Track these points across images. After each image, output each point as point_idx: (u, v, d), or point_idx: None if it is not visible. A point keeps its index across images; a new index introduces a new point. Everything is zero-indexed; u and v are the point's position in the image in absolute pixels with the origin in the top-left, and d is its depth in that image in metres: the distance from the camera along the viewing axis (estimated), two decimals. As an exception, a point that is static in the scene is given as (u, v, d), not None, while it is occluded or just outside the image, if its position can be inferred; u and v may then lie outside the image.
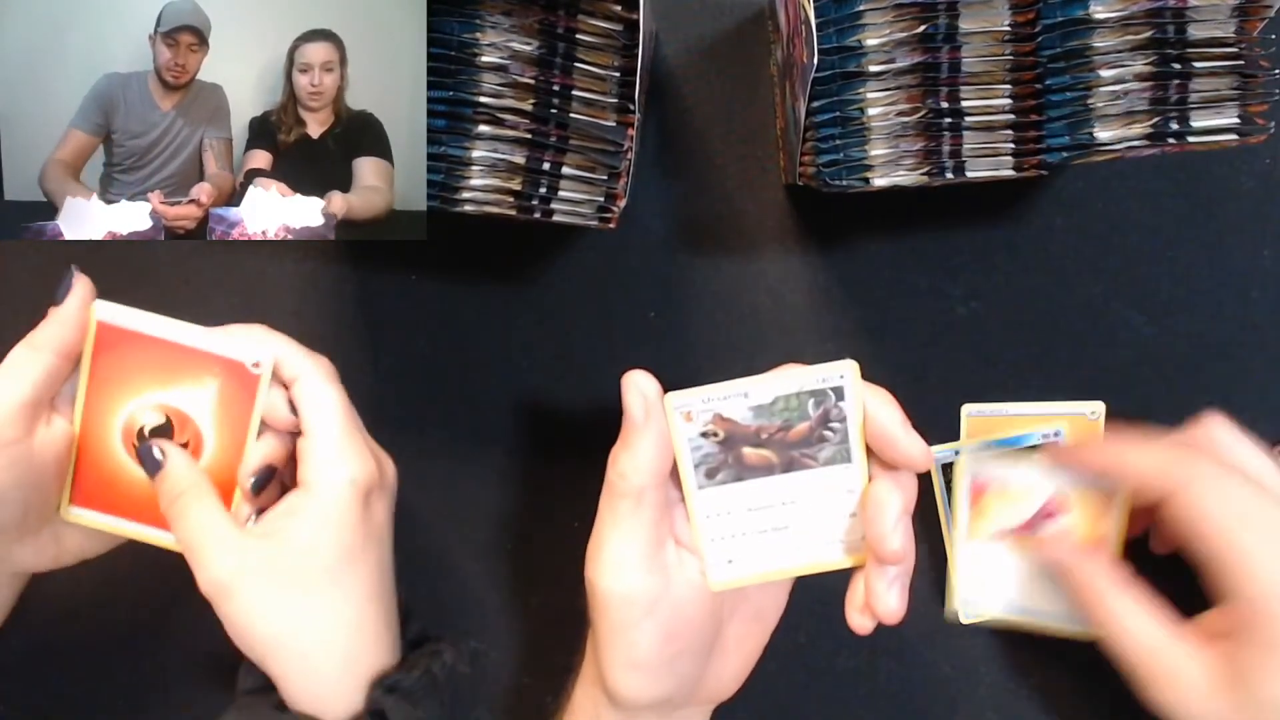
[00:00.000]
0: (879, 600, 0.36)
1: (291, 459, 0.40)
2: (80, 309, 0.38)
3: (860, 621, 0.37)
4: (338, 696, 0.38)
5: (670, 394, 0.36)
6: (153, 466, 0.39)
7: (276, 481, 0.40)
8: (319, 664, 0.38)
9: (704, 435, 0.36)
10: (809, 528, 0.37)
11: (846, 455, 0.36)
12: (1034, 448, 0.46)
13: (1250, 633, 0.36)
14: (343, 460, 0.38)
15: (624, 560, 0.36)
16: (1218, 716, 0.36)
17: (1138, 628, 0.39)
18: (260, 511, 0.39)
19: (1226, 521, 0.37)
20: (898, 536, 0.35)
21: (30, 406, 0.37)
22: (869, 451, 0.36)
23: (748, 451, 0.37)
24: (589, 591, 0.37)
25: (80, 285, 0.38)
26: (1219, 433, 0.42)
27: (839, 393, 0.35)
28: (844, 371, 0.35)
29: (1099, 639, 0.40)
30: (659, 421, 0.36)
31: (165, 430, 0.39)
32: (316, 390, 0.39)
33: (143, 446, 0.39)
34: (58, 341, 0.38)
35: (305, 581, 0.37)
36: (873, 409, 0.35)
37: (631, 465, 0.36)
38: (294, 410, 0.39)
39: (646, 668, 0.37)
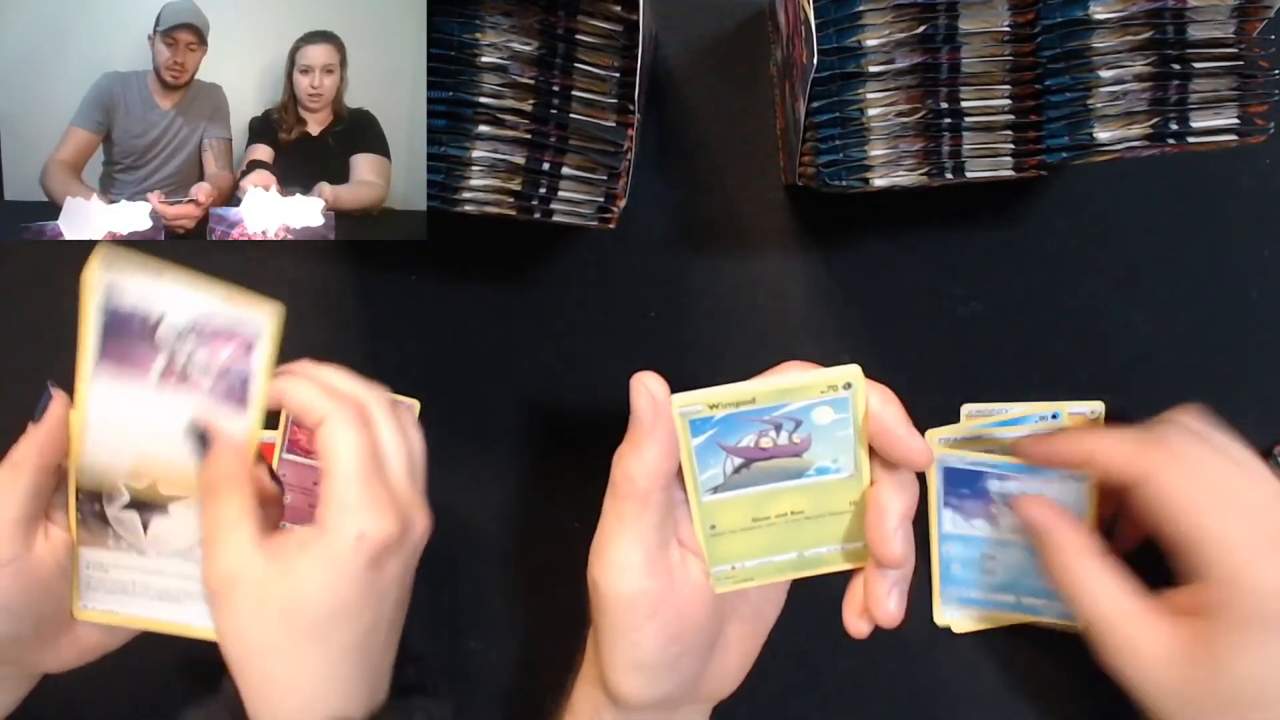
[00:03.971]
0: (878, 605, 0.36)
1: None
2: (59, 425, 0.38)
3: (858, 625, 0.37)
4: None
5: (675, 396, 0.36)
6: (200, 447, 0.39)
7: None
8: (280, 701, 0.37)
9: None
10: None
11: (849, 459, 0.36)
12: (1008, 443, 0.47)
13: (1222, 611, 0.36)
14: (354, 512, 0.37)
15: (628, 562, 0.36)
16: (1176, 689, 0.37)
17: (1105, 595, 0.39)
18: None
19: (1198, 501, 0.37)
20: (898, 541, 0.35)
21: (22, 524, 0.38)
22: (871, 455, 0.36)
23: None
24: (592, 592, 0.37)
25: (57, 402, 0.38)
26: (1191, 423, 0.42)
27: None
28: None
29: (1068, 607, 0.40)
30: (667, 424, 0.35)
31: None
32: (336, 434, 0.38)
33: (193, 425, 0.39)
34: (38, 458, 0.38)
35: (291, 621, 0.36)
36: (875, 406, 0.35)
37: (639, 467, 0.35)
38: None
39: (649, 668, 0.37)
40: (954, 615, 0.50)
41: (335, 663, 0.37)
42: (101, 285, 0.36)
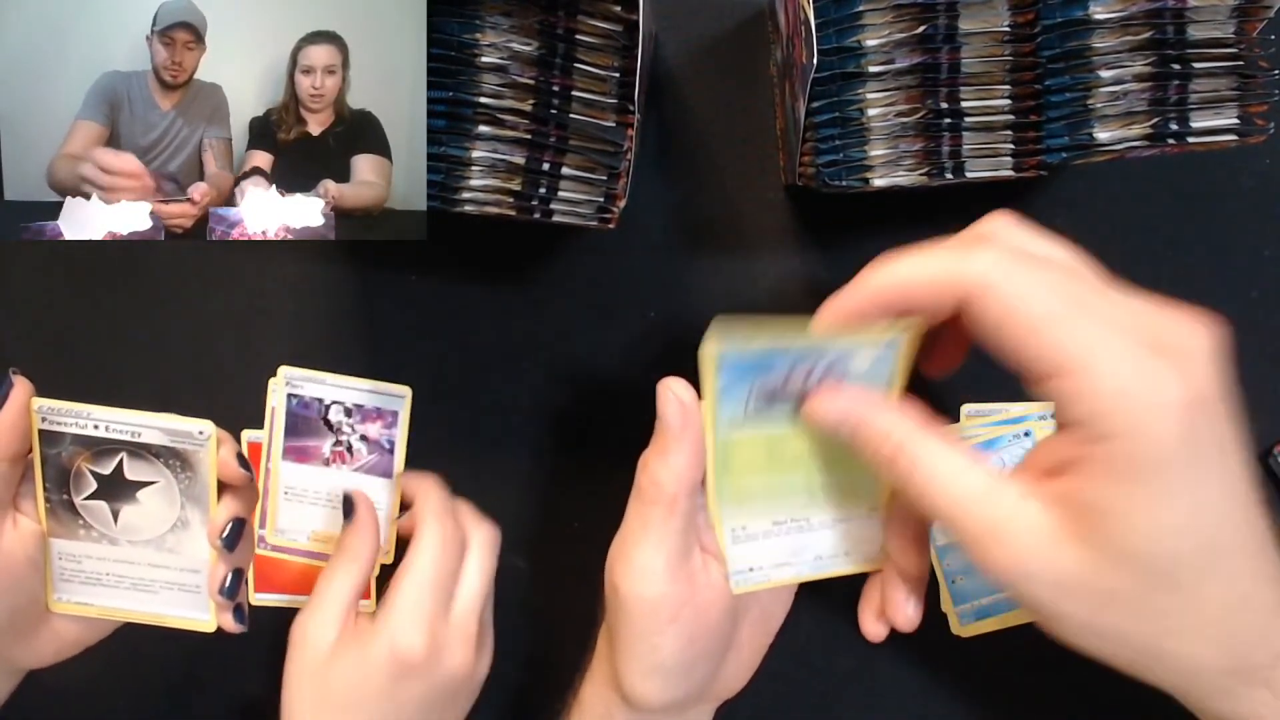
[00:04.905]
0: (898, 609, 0.36)
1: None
2: (20, 414, 0.38)
3: (875, 629, 0.37)
4: None
5: (714, 333, 0.33)
6: (349, 514, 0.44)
7: (249, 533, 0.40)
8: None
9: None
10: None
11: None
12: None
13: (1101, 459, 0.27)
14: (397, 623, 0.41)
15: (652, 567, 0.36)
16: (1065, 573, 0.27)
17: (951, 475, 0.30)
18: (239, 571, 0.40)
19: (1050, 316, 0.28)
20: (921, 550, 0.35)
21: None
22: None
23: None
24: (611, 595, 0.37)
25: (19, 389, 0.38)
26: (1006, 226, 0.33)
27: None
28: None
29: (917, 507, 0.32)
30: (695, 430, 0.35)
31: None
32: (424, 546, 0.42)
33: (347, 498, 0.44)
34: (1, 448, 0.38)
35: (323, 697, 0.41)
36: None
37: (666, 473, 0.35)
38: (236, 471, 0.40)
39: (666, 671, 0.37)
40: (973, 622, 0.49)
41: None
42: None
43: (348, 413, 0.48)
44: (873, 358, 0.33)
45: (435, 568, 0.41)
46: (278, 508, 0.49)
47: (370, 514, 0.43)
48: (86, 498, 0.39)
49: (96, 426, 0.38)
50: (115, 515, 0.39)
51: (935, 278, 0.30)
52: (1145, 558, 0.26)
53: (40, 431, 0.38)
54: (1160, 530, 0.26)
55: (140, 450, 0.38)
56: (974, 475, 0.30)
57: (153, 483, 0.39)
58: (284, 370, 0.47)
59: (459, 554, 0.42)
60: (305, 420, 0.48)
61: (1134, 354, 0.27)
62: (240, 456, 0.39)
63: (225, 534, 0.39)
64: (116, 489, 0.39)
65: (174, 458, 0.38)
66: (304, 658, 0.41)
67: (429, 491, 0.45)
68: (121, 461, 0.38)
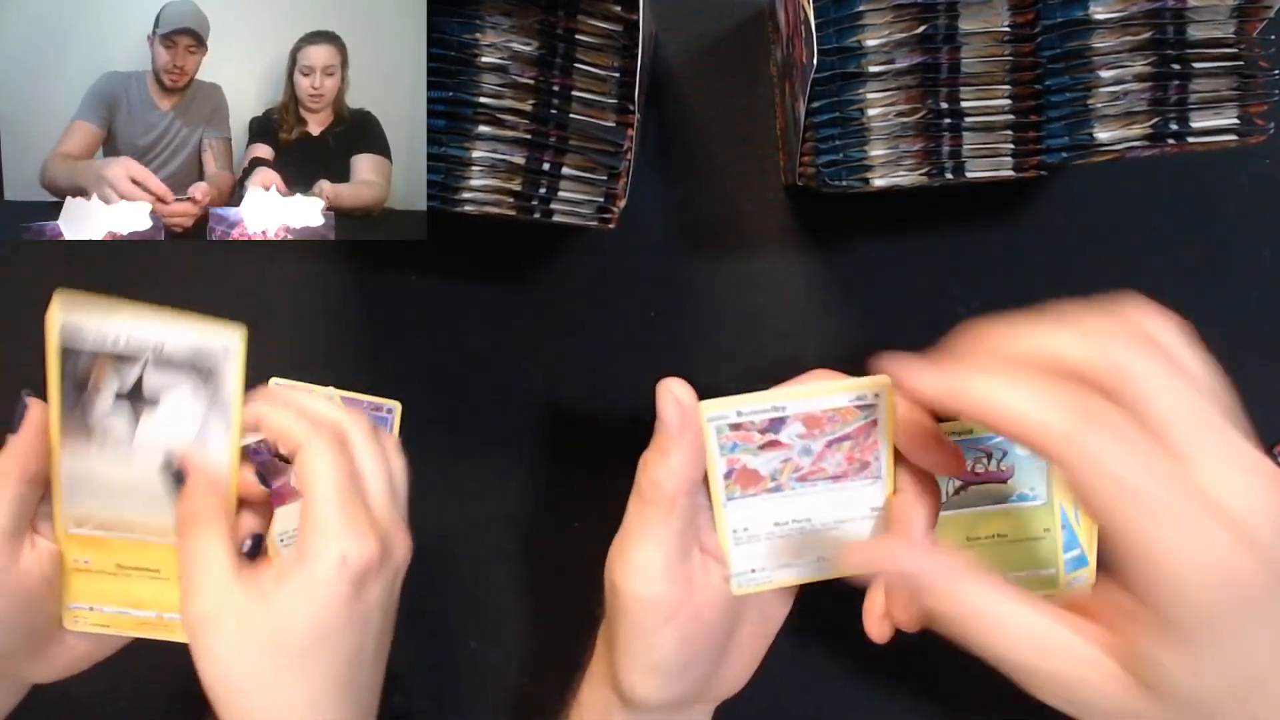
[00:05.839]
0: (902, 610, 0.36)
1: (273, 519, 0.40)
2: (37, 435, 0.37)
3: (881, 630, 0.37)
4: None
5: (704, 403, 0.35)
6: (175, 484, 0.39)
7: (265, 547, 0.39)
8: None
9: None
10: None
11: (877, 469, 0.36)
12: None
13: (1145, 618, 0.28)
14: (335, 536, 0.36)
15: (650, 566, 0.36)
16: (1134, 707, 0.29)
17: (1014, 624, 0.30)
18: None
19: (1127, 502, 0.27)
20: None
21: (7, 536, 0.37)
22: (896, 461, 0.36)
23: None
24: (610, 594, 0.37)
25: (34, 411, 0.37)
26: (1153, 325, 0.30)
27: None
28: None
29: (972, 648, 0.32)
30: (694, 431, 0.35)
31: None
32: (314, 460, 0.37)
33: (167, 462, 0.38)
34: (19, 470, 0.37)
35: (275, 653, 0.36)
36: (904, 413, 0.35)
37: (665, 474, 0.35)
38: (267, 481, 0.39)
39: (665, 671, 0.37)
40: None
41: (322, 693, 0.37)
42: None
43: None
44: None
45: (337, 474, 0.37)
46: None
47: (203, 473, 0.39)
48: (103, 406, 0.38)
49: (118, 340, 0.36)
50: (134, 426, 0.38)
51: (1039, 424, 0.28)
52: (1198, 699, 0.28)
53: (62, 350, 0.36)
54: (1203, 680, 0.28)
55: (164, 360, 0.37)
56: (1038, 621, 0.30)
57: (174, 392, 0.37)
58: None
59: (347, 450, 0.39)
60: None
61: (1197, 532, 0.27)
62: (260, 474, 0.39)
63: (247, 549, 0.38)
64: (136, 399, 0.38)
65: (198, 369, 0.37)
66: (220, 633, 0.36)
67: (283, 409, 0.40)
68: (144, 370, 0.37)
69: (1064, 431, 0.28)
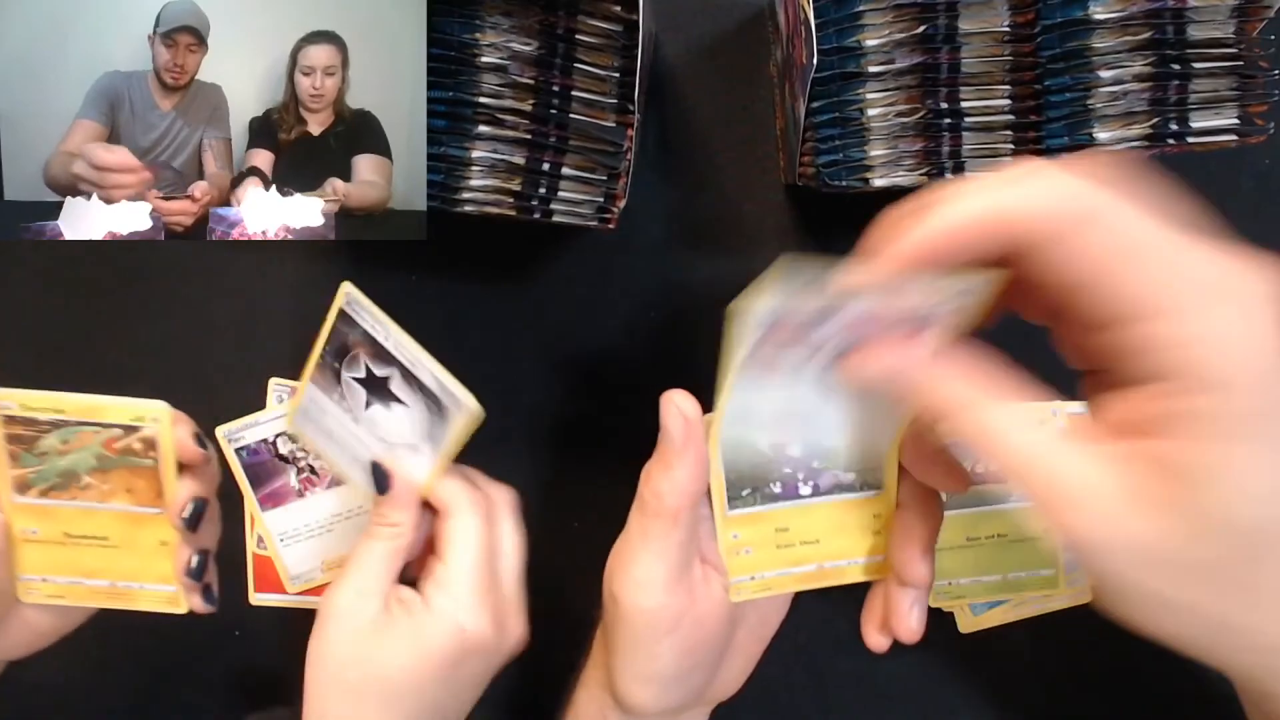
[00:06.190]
0: (901, 621, 0.36)
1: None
2: None
3: (878, 640, 0.37)
4: None
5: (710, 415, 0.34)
6: (382, 484, 0.40)
7: (212, 513, 0.40)
8: None
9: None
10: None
11: (877, 479, 0.36)
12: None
13: (1200, 415, 0.23)
14: (461, 606, 0.38)
15: (651, 579, 0.36)
16: (1146, 544, 0.24)
17: (1020, 438, 0.26)
18: (205, 552, 0.40)
19: (1153, 246, 0.24)
20: (926, 564, 0.35)
21: None
22: (900, 474, 0.36)
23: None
24: (610, 604, 0.37)
25: None
26: (1110, 168, 0.26)
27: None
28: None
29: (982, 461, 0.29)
30: (698, 443, 0.35)
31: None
32: (464, 526, 0.39)
33: (374, 464, 0.41)
34: None
35: (365, 680, 0.38)
36: (910, 430, 0.35)
37: (668, 486, 0.35)
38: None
39: (662, 680, 0.37)
40: (976, 618, 0.49)
41: None
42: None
43: (293, 438, 0.48)
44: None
45: (481, 543, 0.39)
46: (283, 558, 0.48)
47: (406, 486, 0.41)
48: (352, 377, 0.41)
49: (386, 339, 0.39)
50: (368, 403, 0.41)
51: (1033, 210, 0.25)
52: (1240, 525, 0.23)
53: (341, 311, 0.40)
54: (1262, 494, 0.23)
55: (411, 377, 0.40)
56: (1041, 433, 0.26)
57: (409, 406, 0.40)
58: (219, 430, 0.46)
59: (494, 525, 0.41)
60: (262, 465, 0.47)
61: (1242, 297, 0.23)
62: (198, 436, 0.39)
63: (187, 514, 0.38)
64: (377, 391, 0.41)
65: (437, 403, 0.40)
66: (340, 632, 0.38)
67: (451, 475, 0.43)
68: (391, 376, 0.40)
69: (1082, 206, 0.24)
